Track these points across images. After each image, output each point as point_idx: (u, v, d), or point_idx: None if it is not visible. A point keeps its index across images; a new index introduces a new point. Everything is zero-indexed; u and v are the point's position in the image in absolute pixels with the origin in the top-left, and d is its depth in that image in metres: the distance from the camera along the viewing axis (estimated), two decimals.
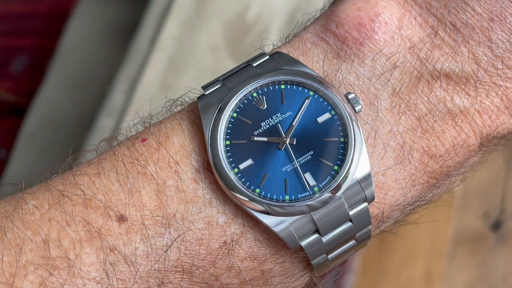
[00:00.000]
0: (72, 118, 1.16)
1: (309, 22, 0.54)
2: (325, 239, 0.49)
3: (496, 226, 1.02)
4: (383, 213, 0.50)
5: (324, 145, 0.49)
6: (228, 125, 0.49)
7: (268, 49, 0.53)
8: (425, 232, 0.99)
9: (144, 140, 0.50)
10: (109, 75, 1.18)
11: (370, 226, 0.50)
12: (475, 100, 0.50)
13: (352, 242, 0.51)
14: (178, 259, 0.48)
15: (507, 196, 1.03)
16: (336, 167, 0.49)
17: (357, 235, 0.50)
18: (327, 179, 0.48)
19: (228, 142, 0.49)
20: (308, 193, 0.48)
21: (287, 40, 0.53)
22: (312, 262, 0.50)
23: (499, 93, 0.50)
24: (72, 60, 1.20)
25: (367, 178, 0.48)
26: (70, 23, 1.21)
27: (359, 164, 0.48)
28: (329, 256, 0.50)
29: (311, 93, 0.50)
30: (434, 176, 0.51)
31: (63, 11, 1.24)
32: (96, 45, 1.21)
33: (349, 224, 0.49)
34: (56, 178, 0.49)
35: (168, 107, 0.53)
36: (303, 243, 0.49)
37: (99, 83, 1.18)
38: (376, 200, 0.50)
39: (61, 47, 1.20)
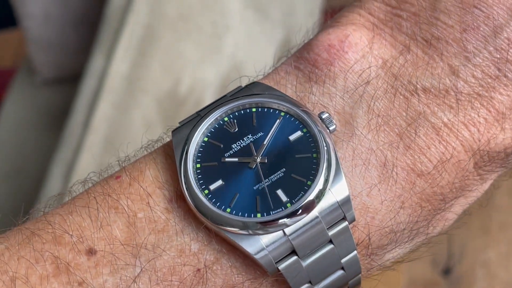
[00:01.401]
0: (10, 209, 1.12)
1: (286, 58, 0.53)
2: (305, 262, 0.46)
3: (447, 271, 1.01)
4: (370, 238, 0.47)
5: (297, 161, 0.47)
6: (199, 149, 0.47)
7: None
8: (378, 284, 0.97)
9: (118, 177, 0.48)
10: (44, 161, 1.15)
11: (356, 252, 0.47)
12: (458, 112, 0.47)
13: (340, 272, 0.47)
14: None
15: (453, 241, 1.04)
16: (309, 182, 0.46)
17: (343, 262, 0.46)
18: (300, 194, 0.46)
19: (198, 165, 0.47)
20: (280, 209, 0.46)
21: (264, 74, 0.53)
22: None
23: (484, 103, 0.47)
24: (6, 150, 1.17)
25: (347, 202, 0.45)
26: (2, 112, 1.18)
27: (337, 182, 0.46)
28: None
29: (283, 113, 0.48)
30: (426, 198, 0.47)
31: None
32: (30, 132, 1.18)
33: (330, 246, 0.46)
34: (29, 221, 0.47)
35: (146, 147, 0.51)
36: (281, 266, 0.46)
37: (35, 171, 1.15)
38: (361, 223, 0.46)
39: None
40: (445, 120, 0.47)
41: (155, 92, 1.11)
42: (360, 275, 0.47)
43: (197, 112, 0.50)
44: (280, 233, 0.45)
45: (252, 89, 0.50)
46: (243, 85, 0.51)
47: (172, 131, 0.49)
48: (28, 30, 1.19)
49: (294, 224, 0.45)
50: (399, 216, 0.47)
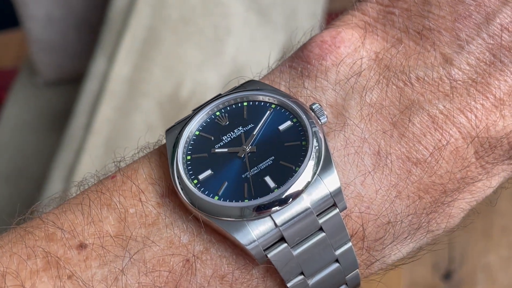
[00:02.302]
0: (10, 210, 1.12)
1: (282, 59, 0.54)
2: (295, 251, 0.46)
3: (447, 276, 1.00)
4: (364, 229, 0.46)
5: (285, 149, 0.47)
6: (190, 142, 0.48)
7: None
8: (378, 287, 0.97)
9: (113, 177, 0.48)
10: (45, 163, 1.15)
11: (351, 244, 0.45)
12: (453, 99, 0.47)
13: (336, 266, 0.46)
14: (137, 281, 0.44)
15: (454, 246, 1.03)
16: (296, 168, 0.46)
17: (337, 254, 0.45)
18: (288, 180, 0.46)
19: (189, 157, 0.48)
20: (267, 194, 0.46)
21: (260, 76, 0.53)
22: (288, 285, 0.46)
23: (480, 90, 0.47)
24: (7, 151, 1.17)
25: (338, 193, 0.45)
26: (3, 113, 1.18)
27: (330, 177, 0.46)
28: (309, 282, 0.46)
29: (273, 106, 0.49)
30: (423, 188, 0.47)
31: None
32: (31, 133, 1.18)
33: (321, 234, 0.46)
34: (25, 222, 0.47)
35: (142, 149, 0.52)
36: (270, 254, 0.45)
37: (36, 173, 1.14)
38: (356, 213, 0.46)
39: None
40: (441, 107, 0.47)
41: (156, 95, 1.11)
42: (357, 270, 0.46)
43: (192, 111, 0.50)
44: (267, 219, 0.45)
45: (246, 86, 0.50)
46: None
47: (166, 130, 0.50)
48: (31, 32, 1.19)
49: (283, 210, 0.45)
50: (395, 206, 0.46)
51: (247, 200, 0.45)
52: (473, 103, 0.47)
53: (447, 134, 0.47)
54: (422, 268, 1.08)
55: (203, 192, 0.46)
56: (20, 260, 0.44)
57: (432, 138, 0.47)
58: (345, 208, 0.45)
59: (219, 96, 0.51)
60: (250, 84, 0.50)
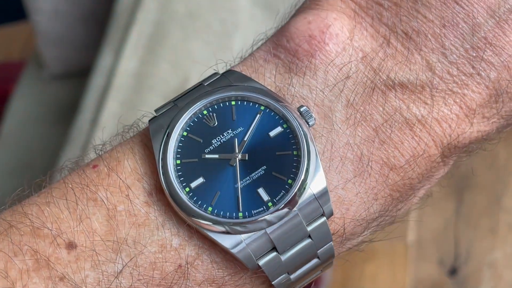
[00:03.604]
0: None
1: (263, 41, 0.53)
2: (284, 257, 0.47)
3: (453, 272, 1.00)
4: (344, 228, 0.48)
5: (277, 159, 0.47)
6: (178, 144, 0.48)
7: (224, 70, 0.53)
8: (384, 284, 0.97)
9: (95, 166, 0.48)
10: (51, 157, 1.15)
11: (331, 243, 0.48)
12: (432, 108, 0.48)
13: (315, 261, 0.48)
14: (131, 285, 0.45)
15: (460, 241, 1.03)
16: (289, 181, 0.47)
17: (319, 252, 0.47)
18: (281, 193, 0.46)
19: (178, 161, 0.47)
20: (261, 208, 0.46)
21: (241, 59, 0.53)
22: (273, 283, 0.47)
23: (457, 100, 0.49)
24: (13, 145, 1.17)
25: (324, 194, 0.46)
26: (10, 106, 1.19)
27: (315, 178, 0.46)
28: (291, 277, 0.47)
29: (262, 108, 0.49)
30: (396, 189, 0.49)
31: (3, 93, 1.22)
32: (37, 127, 1.19)
33: (308, 240, 0.47)
34: (6, 211, 0.47)
35: (122, 134, 0.51)
36: (261, 262, 0.46)
37: (42, 167, 1.15)
38: (337, 215, 0.48)
39: (2, 133, 1.17)
40: (419, 116, 0.48)
41: (163, 90, 1.11)
42: (333, 259, 0.49)
43: (173, 102, 0.50)
44: (261, 232, 0.46)
45: (229, 77, 0.50)
46: (219, 71, 0.51)
47: (149, 121, 0.49)
48: (38, 25, 1.20)
49: (277, 224, 0.46)
50: (372, 206, 0.48)
51: (241, 215, 0.46)
52: (448, 113, 0.49)
53: (423, 143, 0.48)
54: (427, 264, 1.08)
55: (196, 201, 0.46)
56: (8, 258, 0.44)
57: (409, 145, 0.48)
58: (331, 214, 0.47)
59: (201, 87, 0.50)
60: (232, 75, 0.50)
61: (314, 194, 0.46)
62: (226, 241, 0.46)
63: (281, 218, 0.46)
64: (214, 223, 0.46)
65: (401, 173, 0.48)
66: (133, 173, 0.47)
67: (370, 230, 0.51)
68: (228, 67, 0.52)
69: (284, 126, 0.48)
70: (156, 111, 0.50)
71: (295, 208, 0.46)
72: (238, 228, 0.46)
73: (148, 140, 0.49)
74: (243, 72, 0.50)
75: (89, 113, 1.09)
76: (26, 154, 1.15)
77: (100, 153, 0.49)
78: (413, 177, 0.49)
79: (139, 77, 1.08)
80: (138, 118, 0.51)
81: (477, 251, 1.10)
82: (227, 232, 0.46)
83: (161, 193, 0.47)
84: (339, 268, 1.06)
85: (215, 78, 0.50)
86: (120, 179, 0.47)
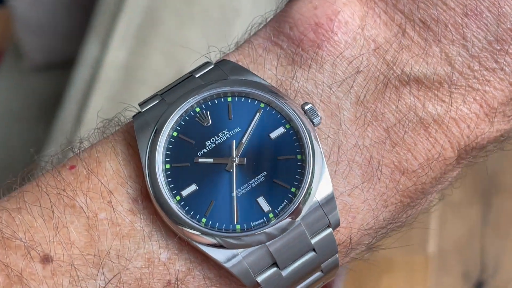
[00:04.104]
0: None
1: (261, 26, 0.52)
2: (285, 272, 0.46)
3: (479, 286, 1.00)
4: (351, 239, 0.48)
5: (279, 164, 0.47)
6: (167, 146, 0.47)
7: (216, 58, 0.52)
8: None
9: (72, 167, 0.47)
10: (31, 158, 1.15)
11: (337, 255, 0.47)
12: (450, 107, 0.48)
13: (318, 274, 0.48)
14: None
15: (487, 252, 1.02)
16: (293, 189, 0.46)
17: (323, 265, 0.47)
18: (284, 203, 0.46)
19: (168, 166, 0.47)
20: (262, 220, 0.46)
21: (236, 47, 0.52)
22: None
23: (477, 98, 0.48)
24: None
25: (330, 200, 0.46)
26: None
27: (320, 184, 0.46)
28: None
29: (262, 105, 0.48)
30: (408, 194, 0.49)
31: None
32: (16, 123, 1.19)
33: (312, 254, 0.47)
34: None
35: (102, 129, 0.51)
36: (260, 278, 0.46)
37: (21, 167, 1.14)
38: (343, 224, 0.47)
39: None
40: (435, 115, 0.48)
41: (155, 84, 1.11)
42: (336, 270, 0.49)
43: (160, 95, 0.49)
44: (261, 246, 0.46)
45: (223, 68, 0.49)
46: (212, 60, 0.51)
47: (134, 117, 0.49)
48: (16, 10, 1.19)
49: (278, 238, 0.46)
50: (381, 214, 0.48)
51: (239, 227, 0.46)
52: (467, 112, 0.48)
53: (438, 145, 0.48)
54: (450, 278, 1.07)
55: (187, 212, 0.46)
56: None
57: (423, 147, 0.48)
58: (338, 224, 0.47)
59: (192, 80, 0.49)
60: (226, 65, 0.49)
61: (318, 202, 0.46)
62: (220, 255, 0.45)
63: (283, 230, 0.45)
64: (208, 236, 0.45)
65: (413, 178, 0.48)
66: (115, 177, 0.47)
67: (379, 239, 0.51)
68: (222, 55, 0.51)
69: (287, 126, 0.48)
70: (140, 105, 0.49)
71: (298, 219, 0.46)
72: (234, 241, 0.45)
73: (132, 138, 0.48)
74: (239, 63, 0.49)
75: (72, 109, 1.08)
76: (4, 153, 1.15)
77: (78, 152, 0.49)
78: (426, 182, 0.49)
79: (129, 69, 1.08)
80: (119, 112, 0.51)
81: (506, 263, 1.09)
82: (221, 246, 0.45)
83: (147, 200, 0.46)
84: (352, 280, 1.06)
85: (207, 69, 0.49)
86: (101, 183, 0.46)
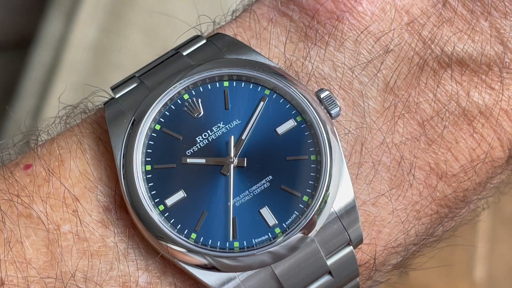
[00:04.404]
0: None
1: None
2: None
3: None
4: (375, 259, 0.48)
5: (288, 166, 0.47)
6: (148, 143, 0.47)
7: (208, 29, 0.52)
8: None
9: (28, 166, 0.47)
10: None
11: (358, 279, 0.47)
12: (500, 95, 0.48)
13: None
14: None
15: None
16: (305, 198, 0.46)
17: None
18: (294, 215, 0.46)
19: (149, 167, 0.47)
20: (266, 236, 0.46)
21: (233, 17, 0.52)
22: None
23: None
24: None
25: (350, 211, 0.46)
26: None
27: (339, 191, 0.46)
28: None
29: (267, 91, 0.48)
30: (446, 204, 0.49)
31: None
32: None
33: (327, 277, 0.47)
34: None
35: (64, 118, 0.51)
36: None
37: None
38: (365, 241, 0.47)
39: None
40: (482, 106, 0.48)
41: (133, 68, 1.10)
42: None
43: (138, 77, 0.49)
44: (265, 269, 0.45)
45: (218, 44, 0.49)
46: (203, 33, 0.50)
47: (105, 104, 0.48)
48: None
49: (281, 250, 0.45)
50: (412, 227, 0.49)
51: (237, 245, 0.46)
52: None
53: (485, 143, 0.48)
54: None
55: (173, 225, 0.46)
56: None
57: (466, 146, 0.48)
58: (361, 240, 0.47)
59: (178, 58, 0.49)
60: (220, 39, 0.49)
61: (336, 213, 0.46)
62: (212, 278, 0.45)
63: (292, 249, 0.45)
64: (197, 255, 0.45)
65: (453, 183, 0.48)
66: (82, 179, 0.47)
67: (406, 255, 0.51)
68: (216, 28, 0.51)
69: (298, 119, 0.48)
70: (113, 89, 0.49)
71: (311, 234, 0.45)
72: (229, 262, 0.45)
73: (103, 131, 0.48)
74: (238, 37, 0.49)
75: (31, 99, 1.08)
76: None
77: (35, 147, 0.49)
78: (469, 189, 0.49)
79: (100, 50, 1.08)
80: (86, 97, 0.51)
81: None
82: (214, 268, 0.45)
83: (122, 209, 0.46)
84: None
85: (198, 45, 0.49)
86: (64, 187, 0.46)
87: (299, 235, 0.45)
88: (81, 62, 1.10)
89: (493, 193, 0.52)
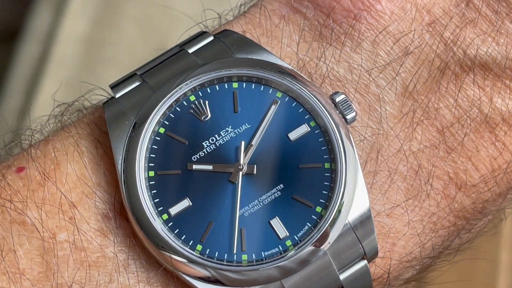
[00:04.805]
0: None
1: None
2: None
3: None
4: (389, 273, 0.48)
5: (300, 174, 0.47)
6: (151, 147, 0.47)
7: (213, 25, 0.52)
8: None
9: (21, 169, 0.47)
10: None
11: None
12: None
13: None
14: None
15: None
16: (318, 208, 0.46)
17: None
18: (306, 227, 0.46)
19: (152, 173, 0.47)
20: (276, 249, 0.46)
21: (241, 11, 0.52)
22: None
23: None
24: None
25: (365, 221, 0.46)
26: None
27: (354, 200, 0.46)
28: None
29: (279, 94, 0.48)
30: (463, 215, 0.49)
31: None
32: None
33: None
34: None
35: (59, 117, 0.51)
36: None
37: None
38: (379, 254, 0.48)
39: None
40: (505, 113, 0.48)
41: (128, 63, 1.11)
42: None
43: (140, 75, 0.49)
44: (275, 283, 0.46)
45: (226, 42, 0.49)
46: (209, 29, 0.50)
47: (105, 104, 0.48)
48: None
49: (292, 264, 0.45)
50: (428, 240, 0.49)
51: (245, 258, 0.46)
52: None
53: (508, 152, 0.48)
54: None
55: (178, 236, 0.46)
56: None
57: (487, 154, 0.48)
58: (376, 253, 0.47)
59: (183, 56, 0.49)
60: (228, 36, 0.49)
61: (350, 224, 0.46)
62: None
63: (303, 263, 0.45)
64: (200, 267, 0.45)
65: (472, 194, 0.48)
66: (80, 184, 0.47)
67: (421, 269, 0.51)
68: (224, 23, 0.51)
69: (312, 124, 0.48)
70: (113, 88, 0.49)
71: (323, 247, 0.46)
72: (234, 276, 0.45)
73: (102, 133, 0.48)
74: (247, 34, 0.49)
75: (17, 97, 1.08)
76: None
77: (28, 149, 0.48)
78: (489, 200, 0.49)
79: (92, 44, 1.08)
80: (82, 95, 0.50)
81: None
82: (219, 282, 0.45)
83: (123, 217, 0.46)
84: None
85: (204, 43, 0.49)
86: (61, 192, 0.46)
87: (311, 248, 0.45)
88: (71, 56, 1.10)
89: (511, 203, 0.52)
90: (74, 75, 1.08)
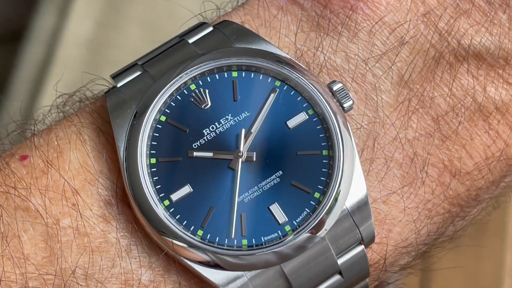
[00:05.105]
0: None
1: None
2: None
3: None
4: (385, 259, 0.49)
5: (299, 161, 0.48)
6: (153, 135, 0.48)
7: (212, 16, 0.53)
8: None
9: (24, 157, 0.48)
10: None
11: (367, 279, 0.49)
12: None
13: None
14: None
15: None
16: (316, 194, 0.48)
17: None
18: (304, 212, 0.47)
19: (153, 161, 0.48)
20: (275, 234, 0.47)
21: (240, 3, 0.52)
22: None
23: None
24: None
25: (362, 207, 0.47)
26: None
27: (351, 186, 0.47)
28: None
29: (278, 83, 0.49)
30: (458, 202, 0.50)
31: None
32: None
33: (337, 277, 0.48)
34: None
35: (61, 107, 0.51)
36: None
37: None
38: (376, 240, 0.49)
39: None
40: (498, 101, 0.50)
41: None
42: None
43: (141, 65, 0.50)
44: (273, 268, 0.47)
45: (225, 32, 0.49)
46: (209, 20, 0.51)
47: (106, 93, 0.49)
48: None
49: (290, 250, 0.47)
50: (426, 227, 0.50)
51: (245, 242, 0.47)
52: None
53: (501, 140, 0.50)
54: None
55: (179, 221, 0.47)
56: None
57: (481, 143, 0.50)
58: (373, 238, 0.48)
59: (183, 46, 0.50)
60: (228, 27, 0.49)
61: (348, 209, 0.47)
62: (218, 276, 0.47)
63: (299, 249, 0.47)
64: (203, 253, 0.46)
65: (466, 181, 0.50)
66: (83, 171, 0.48)
67: (416, 256, 0.53)
68: (222, 15, 0.52)
69: (309, 112, 0.49)
70: (114, 77, 0.49)
71: (319, 233, 0.47)
72: (233, 261, 0.46)
73: (104, 122, 0.49)
74: (245, 25, 0.50)
75: (21, 98, 1.08)
76: None
77: (31, 137, 0.49)
78: (482, 187, 0.50)
79: (96, 46, 1.08)
80: (84, 85, 0.51)
81: None
82: (219, 266, 0.46)
83: (125, 203, 0.47)
84: None
85: (204, 33, 0.50)
86: (64, 179, 0.47)
87: (307, 235, 0.46)
88: (75, 58, 1.09)
89: (505, 192, 0.54)
90: (79, 78, 1.08)
